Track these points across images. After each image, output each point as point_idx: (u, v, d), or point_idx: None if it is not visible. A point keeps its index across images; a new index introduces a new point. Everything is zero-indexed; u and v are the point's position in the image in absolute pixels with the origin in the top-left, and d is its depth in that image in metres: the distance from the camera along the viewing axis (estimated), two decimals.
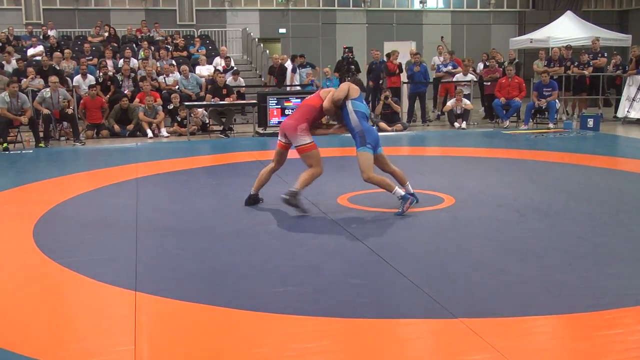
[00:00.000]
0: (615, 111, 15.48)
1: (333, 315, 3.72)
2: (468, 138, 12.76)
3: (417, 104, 15.44)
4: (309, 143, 6.17)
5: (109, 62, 15.65)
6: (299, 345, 3.36)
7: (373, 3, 23.85)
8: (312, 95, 6.53)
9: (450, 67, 15.95)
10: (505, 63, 16.06)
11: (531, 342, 3.38)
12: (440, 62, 16.43)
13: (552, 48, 16.77)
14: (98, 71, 14.78)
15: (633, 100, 14.41)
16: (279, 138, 6.43)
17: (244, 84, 15.84)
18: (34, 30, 18.50)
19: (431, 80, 16.28)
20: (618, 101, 15.41)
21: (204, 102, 13.79)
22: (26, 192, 7.79)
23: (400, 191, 6.16)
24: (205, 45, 18.77)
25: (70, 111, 12.55)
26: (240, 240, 5.42)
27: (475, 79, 15.99)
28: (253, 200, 6.61)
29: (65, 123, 12.95)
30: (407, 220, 6.02)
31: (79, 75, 14.38)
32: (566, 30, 19.58)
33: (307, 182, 6.16)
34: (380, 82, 15.33)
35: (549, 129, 13.48)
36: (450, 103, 14.59)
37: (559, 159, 9.59)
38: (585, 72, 15.28)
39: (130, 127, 13.23)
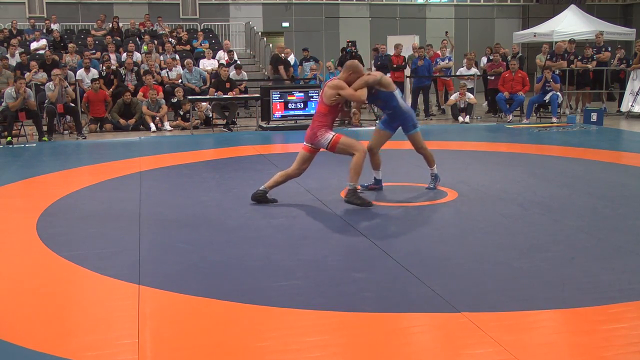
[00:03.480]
0: (619, 105, 15.46)
1: (336, 309, 3.73)
2: (471, 132, 12.75)
3: (420, 98, 15.43)
4: (334, 136, 6.14)
5: (112, 56, 15.65)
6: (302, 339, 3.36)
7: None
8: (320, 98, 6.38)
9: (446, 61, 15.96)
10: (509, 57, 16.04)
11: (534, 336, 3.38)
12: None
13: (556, 42, 16.73)
14: (101, 65, 14.79)
15: (637, 94, 14.38)
16: (305, 142, 6.35)
17: (246, 78, 15.84)
18: (37, 24, 18.48)
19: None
20: (622, 95, 15.38)
21: (208, 96, 13.81)
22: (30, 185, 7.80)
23: (436, 170, 6.95)
24: (209, 39, 18.76)
25: (72, 97, 12.59)
26: (243, 233, 5.43)
27: (478, 73, 15.96)
28: (262, 197, 6.39)
29: (68, 117, 12.98)
30: (411, 214, 6.04)
31: (82, 69, 14.40)
32: (570, 24, 19.54)
33: (358, 171, 6.11)
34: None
35: (552, 123, 13.46)
36: (453, 97, 14.58)
37: (563, 153, 9.57)
38: (589, 66, 15.24)
39: (132, 121, 13.22)
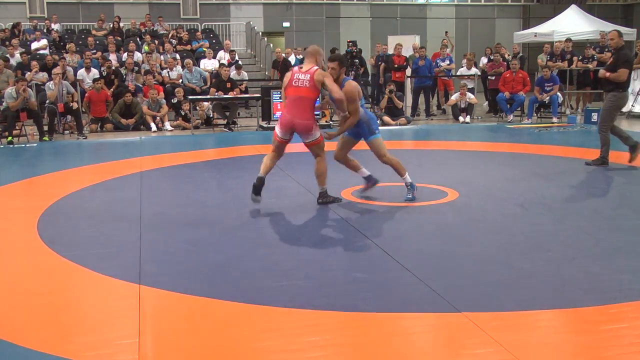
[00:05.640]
0: None
1: (337, 309, 3.73)
2: (472, 132, 12.74)
3: (421, 98, 15.44)
4: (320, 136, 6.25)
5: (113, 56, 15.65)
6: (303, 339, 3.36)
7: None
8: (303, 86, 6.07)
9: (447, 62, 15.98)
10: (510, 57, 16.03)
11: (534, 336, 3.39)
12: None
13: (555, 42, 16.73)
14: (100, 65, 14.77)
15: (637, 94, 14.37)
16: (281, 135, 6.27)
17: (247, 78, 15.85)
18: (38, 24, 18.49)
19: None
20: None
21: (208, 96, 13.81)
22: (30, 185, 7.81)
23: (409, 178, 6.44)
24: (209, 39, 18.76)
25: (75, 105, 12.65)
26: (244, 233, 5.43)
27: (478, 73, 15.96)
28: (261, 184, 6.19)
29: (69, 117, 12.99)
30: (411, 214, 6.03)
31: (83, 69, 14.40)
32: (571, 24, 19.54)
33: (325, 174, 6.30)
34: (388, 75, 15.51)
35: (553, 123, 13.46)
36: (454, 97, 14.58)
37: (563, 153, 9.58)
38: (590, 66, 15.24)
39: (132, 121, 13.20)
